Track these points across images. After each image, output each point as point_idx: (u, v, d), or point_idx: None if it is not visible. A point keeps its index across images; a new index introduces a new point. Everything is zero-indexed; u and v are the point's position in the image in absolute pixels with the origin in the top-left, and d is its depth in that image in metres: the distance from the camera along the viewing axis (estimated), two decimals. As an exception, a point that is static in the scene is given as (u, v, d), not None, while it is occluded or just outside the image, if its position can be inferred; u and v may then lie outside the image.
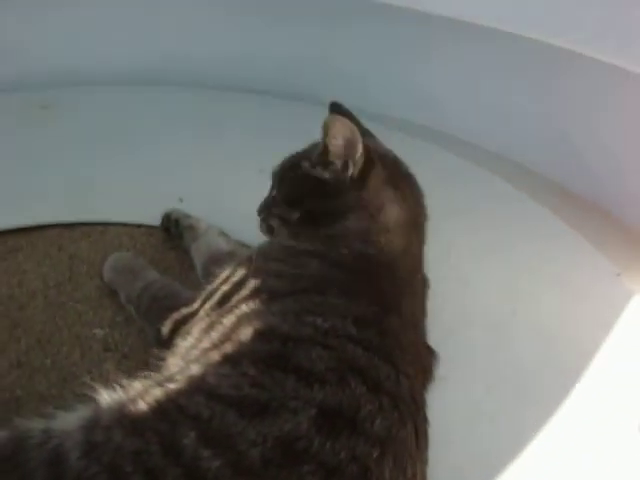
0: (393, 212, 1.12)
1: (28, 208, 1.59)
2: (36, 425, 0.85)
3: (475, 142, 2.04)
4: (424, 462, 0.91)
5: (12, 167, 1.74)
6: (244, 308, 1.00)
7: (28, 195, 1.63)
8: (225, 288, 1.08)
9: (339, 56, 2.11)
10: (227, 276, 1.11)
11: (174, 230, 1.53)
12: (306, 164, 1.16)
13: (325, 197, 1.13)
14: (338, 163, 1.11)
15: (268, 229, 1.21)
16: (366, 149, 1.10)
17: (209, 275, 1.25)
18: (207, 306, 1.09)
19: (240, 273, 1.08)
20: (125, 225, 1.58)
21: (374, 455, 0.80)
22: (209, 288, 1.13)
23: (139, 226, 1.59)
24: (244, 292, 1.04)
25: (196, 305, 1.12)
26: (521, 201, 1.82)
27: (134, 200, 1.61)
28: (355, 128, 1.08)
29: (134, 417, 0.84)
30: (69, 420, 0.86)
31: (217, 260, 1.36)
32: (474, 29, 1.70)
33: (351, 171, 1.10)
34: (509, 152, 2.01)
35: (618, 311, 1.50)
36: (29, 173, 1.72)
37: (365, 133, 1.23)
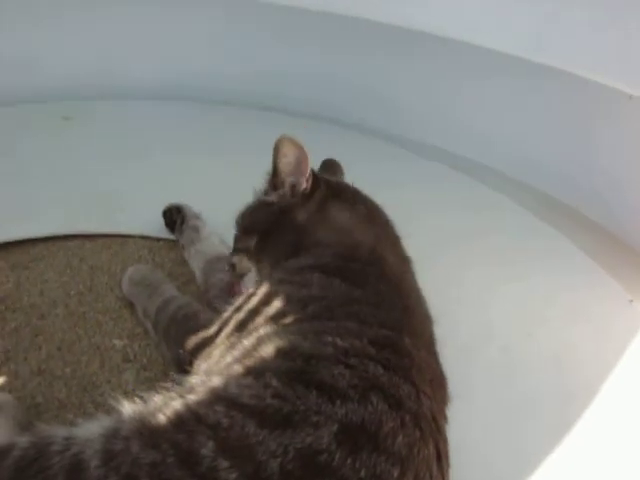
0: (343, 217, 1.21)
1: (50, 218, 1.62)
2: (58, 432, 0.86)
3: (494, 167, 2.06)
4: (446, 483, 0.90)
5: (35, 177, 1.77)
6: (262, 331, 1.00)
7: (50, 205, 1.66)
8: (240, 316, 1.09)
9: (365, 78, 2.15)
10: (241, 304, 1.11)
11: (178, 224, 1.58)
12: (258, 196, 1.27)
13: (276, 216, 1.21)
14: (287, 183, 1.20)
15: (231, 267, 1.29)
16: (312, 172, 1.19)
17: (207, 282, 1.42)
18: (223, 334, 1.09)
19: (254, 300, 1.09)
20: (145, 238, 1.61)
21: (395, 474, 0.79)
22: (225, 315, 1.13)
23: (158, 240, 1.61)
24: (260, 319, 1.04)
25: (213, 330, 1.12)
26: (537, 227, 1.86)
27: (154, 213, 1.62)
28: (303, 147, 1.16)
29: (153, 428, 0.83)
30: (90, 428, 0.86)
31: (215, 267, 1.44)
32: (497, 58, 1.74)
33: (304, 186, 1.19)
34: (527, 178, 2.03)
35: (630, 336, 1.51)
36: (51, 183, 1.75)
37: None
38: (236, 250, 1.28)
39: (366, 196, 1.28)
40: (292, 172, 1.19)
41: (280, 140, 1.16)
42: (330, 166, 1.43)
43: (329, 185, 1.23)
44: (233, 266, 1.27)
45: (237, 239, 1.29)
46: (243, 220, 1.28)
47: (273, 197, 1.22)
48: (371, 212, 1.24)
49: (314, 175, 1.19)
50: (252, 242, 1.23)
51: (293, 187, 1.20)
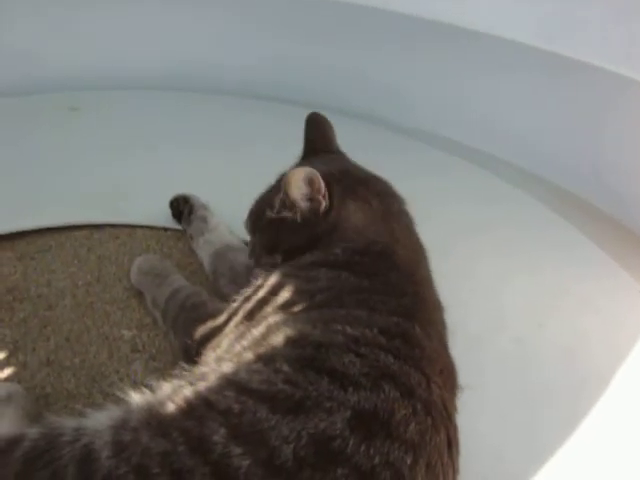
0: (359, 218, 1.16)
1: (57, 208, 1.61)
2: (68, 423, 0.85)
3: (504, 159, 2.06)
4: (456, 471, 0.90)
5: (42, 167, 1.77)
6: (271, 320, 1.00)
7: (57, 195, 1.65)
8: (249, 306, 1.08)
9: (374, 69, 2.14)
10: (250, 294, 1.11)
11: (186, 215, 1.57)
12: (269, 212, 1.20)
13: (297, 231, 1.17)
14: (305, 204, 1.14)
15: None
16: (324, 179, 1.13)
17: (216, 272, 1.42)
18: (232, 323, 1.09)
19: (262, 290, 1.09)
20: (152, 228, 1.60)
21: (408, 462, 0.79)
22: (233, 306, 1.12)
23: (166, 229, 1.60)
24: (268, 308, 1.04)
25: (222, 319, 1.12)
26: (549, 219, 1.85)
27: (162, 203, 1.62)
28: (313, 170, 1.10)
29: (162, 418, 0.83)
30: (100, 419, 0.85)
31: (224, 257, 1.43)
32: (510, 48, 1.73)
33: (324, 204, 1.14)
34: (538, 170, 2.02)
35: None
36: (59, 173, 1.75)
37: (327, 145, 1.35)
38: (264, 263, 1.23)
39: (377, 180, 1.25)
40: (308, 197, 1.14)
41: (290, 174, 1.11)
42: (317, 124, 1.38)
43: (342, 184, 1.18)
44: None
45: (261, 252, 1.24)
46: (262, 236, 1.24)
47: (292, 214, 1.16)
48: (385, 203, 1.20)
49: (327, 182, 1.14)
50: (278, 260, 1.19)
51: (310, 208, 1.15)
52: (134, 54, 2.19)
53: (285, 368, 0.86)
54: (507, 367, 1.35)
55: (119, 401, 0.91)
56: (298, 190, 1.12)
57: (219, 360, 0.99)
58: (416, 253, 1.18)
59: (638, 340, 1.46)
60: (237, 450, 0.75)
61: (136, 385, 0.94)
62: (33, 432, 0.84)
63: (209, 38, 2.20)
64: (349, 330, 0.92)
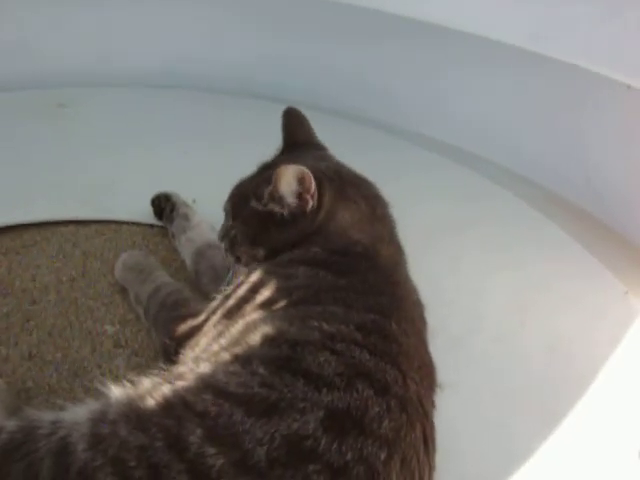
0: (345, 219, 1.15)
1: (43, 204, 1.61)
2: (46, 416, 0.86)
3: (489, 158, 2.07)
4: (432, 468, 0.91)
5: (28, 163, 1.77)
6: (249, 318, 1.01)
7: (44, 191, 1.65)
8: (229, 303, 1.09)
9: (363, 68, 2.15)
10: (229, 293, 1.11)
11: (167, 212, 1.57)
12: (255, 203, 1.18)
13: (284, 227, 1.15)
14: (292, 201, 1.13)
15: (236, 260, 1.24)
16: (316, 178, 1.11)
17: (198, 271, 1.42)
18: (211, 322, 1.09)
19: (242, 289, 1.09)
20: (138, 225, 1.61)
21: (381, 457, 0.80)
22: (213, 304, 1.13)
23: (152, 226, 1.61)
24: (247, 307, 1.05)
25: (202, 318, 1.12)
26: (532, 218, 1.85)
27: (148, 200, 1.62)
28: (306, 169, 1.09)
29: (140, 412, 0.84)
30: (78, 412, 0.86)
31: (205, 254, 1.44)
32: (496, 48, 1.74)
33: (311, 204, 1.12)
34: (522, 169, 2.03)
35: (624, 328, 1.50)
36: (45, 169, 1.75)
37: (308, 141, 1.34)
38: (240, 250, 1.23)
39: (365, 182, 1.25)
40: (297, 194, 1.12)
41: (281, 170, 1.09)
42: (296, 117, 1.37)
43: (334, 185, 1.17)
44: (239, 260, 1.23)
45: (238, 240, 1.22)
46: (246, 225, 1.21)
47: (279, 209, 1.14)
48: (371, 206, 1.20)
49: (318, 182, 1.13)
50: (260, 253, 1.19)
51: (302, 201, 1.13)
52: (123, 51, 2.20)
53: (261, 370, 0.87)
54: (488, 366, 1.35)
55: (99, 395, 0.92)
56: (288, 186, 1.11)
57: (197, 360, 0.99)
58: (396, 255, 1.18)
59: (621, 341, 1.46)
60: (211, 450, 0.77)
61: (118, 380, 0.94)
62: (11, 425, 0.84)
63: (208, 36, 2.21)
64: (325, 326, 0.93)
